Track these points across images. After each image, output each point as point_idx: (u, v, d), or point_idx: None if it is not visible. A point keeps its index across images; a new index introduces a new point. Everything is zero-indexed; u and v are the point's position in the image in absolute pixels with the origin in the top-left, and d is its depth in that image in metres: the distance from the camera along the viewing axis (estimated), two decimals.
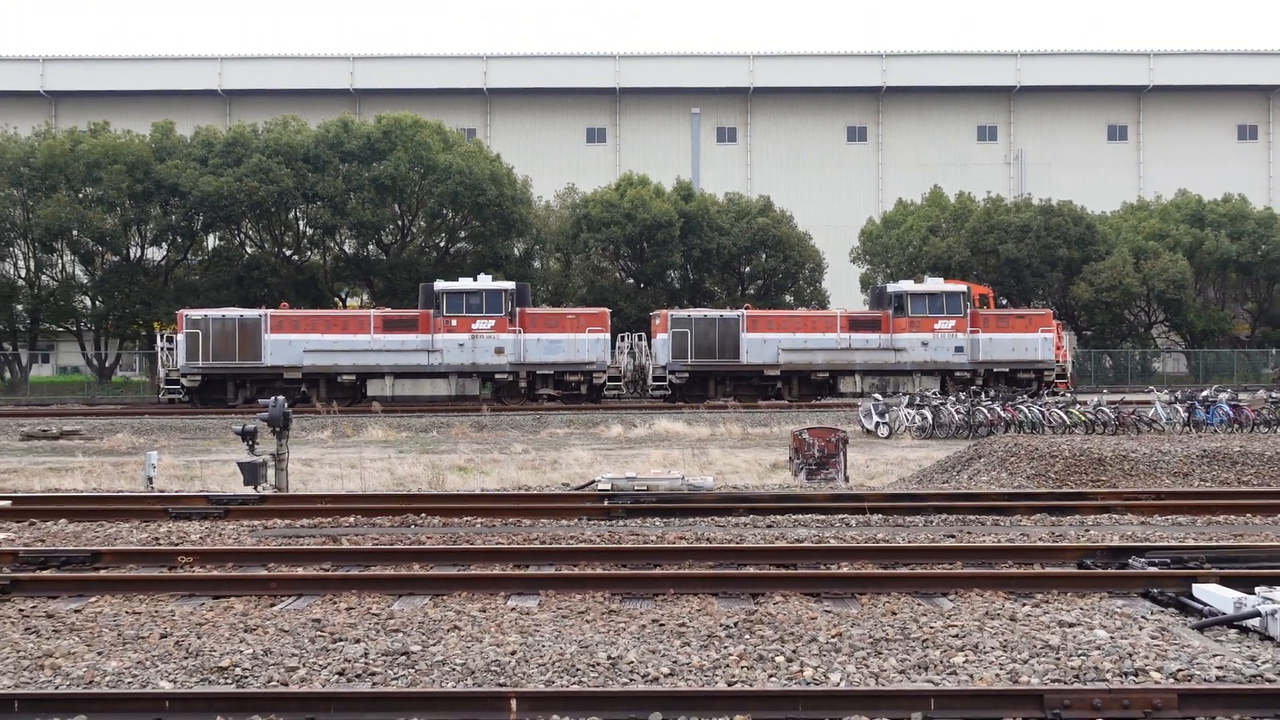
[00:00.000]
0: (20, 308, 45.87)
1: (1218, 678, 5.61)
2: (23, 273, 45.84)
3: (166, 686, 5.52)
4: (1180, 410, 24.55)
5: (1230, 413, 24.49)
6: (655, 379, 35.47)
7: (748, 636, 6.46)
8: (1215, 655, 5.99)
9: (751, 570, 8.29)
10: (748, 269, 47.46)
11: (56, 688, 5.54)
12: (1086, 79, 65.75)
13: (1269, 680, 5.59)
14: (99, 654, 6.17)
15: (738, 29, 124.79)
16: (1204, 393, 26.14)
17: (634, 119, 65.96)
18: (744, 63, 65.70)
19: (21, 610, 7.28)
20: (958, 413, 24.97)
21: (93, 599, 7.59)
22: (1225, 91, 66.09)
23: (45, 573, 8.30)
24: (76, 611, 7.25)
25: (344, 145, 44.67)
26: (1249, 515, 11.20)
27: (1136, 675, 5.66)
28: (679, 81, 64.55)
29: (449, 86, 63.95)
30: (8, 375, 46.37)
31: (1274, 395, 27.26)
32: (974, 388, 33.82)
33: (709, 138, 64.08)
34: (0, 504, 11.90)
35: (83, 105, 61.24)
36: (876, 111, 66.86)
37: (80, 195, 43.68)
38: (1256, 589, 6.84)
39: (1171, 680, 5.56)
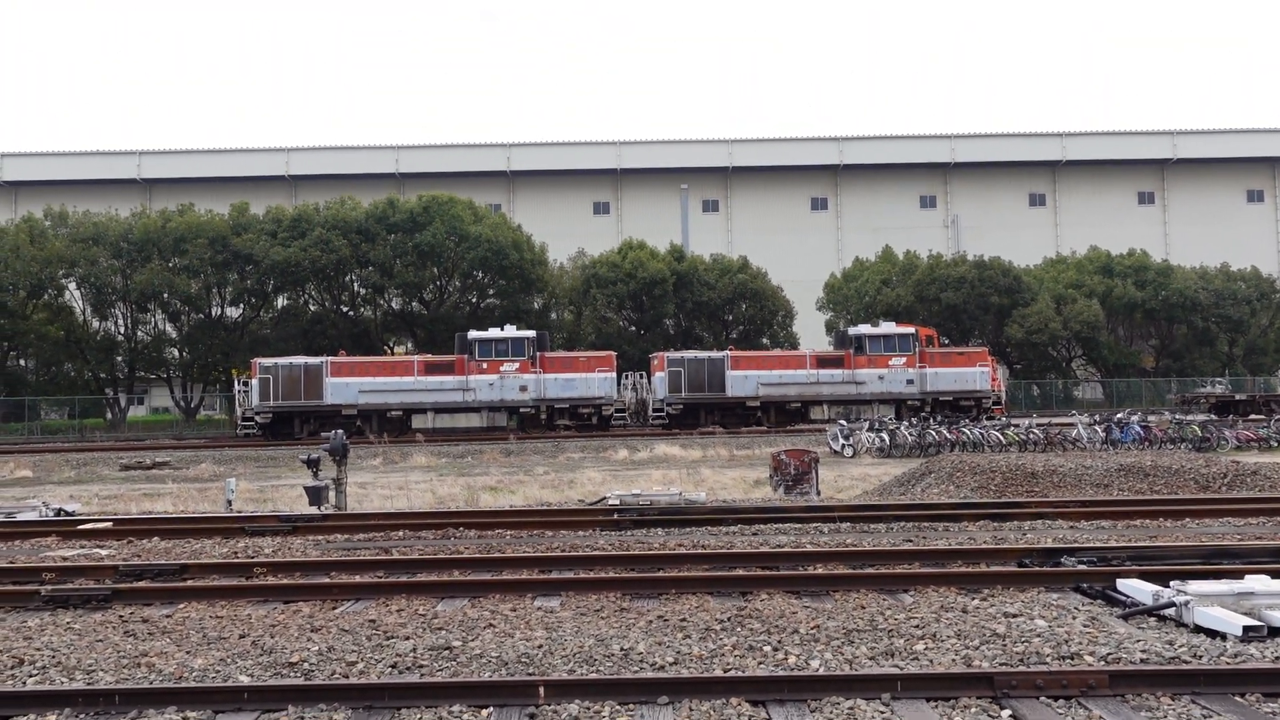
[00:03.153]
0: (120, 358, 45.92)
1: (1142, 660, 5.52)
2: (122, 329, 45.96)
3: (245, 680, 5.44)
4: (1099, 431, 24.44)
5: (1141, 432, 24.39)
6: (654, 410, 35.38)
7: (739, 629, 6.37)
8: (1139, 641, 5.90)
9: (741, 572, 8.18)
10: (730, 317, 47.51)
11: (151, 682, 5.45)
12: (1010, 156, 66.27)
13: (1185, 661, 5.51)
14: (187, 653, 6.08)
15: (719, 115, 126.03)
16: (1118, 416, 26.04)
17: (633, 194, 66.38)
18: (724, 147, 66.26)
19: (121, 616, 7.19)
20: (911, 435, 24.86)
21: (181, 605, 7.49)
22: (1127, 164, 66.60)
23: (141, 583, 8.21)
24: (167, 616, 7.16)
25: (391, 219, 44.88)
26: (1161, 520, 11.10)
27: (1073, 659, 5.57)
28: (670, 163, 65.06)
29: (478, 169, 64.45)
30: (109, 415, 46.27)
31: (1177, 417, 27.18)
32: (924, 414, 33.68)
33: (696, 208, 64.46)
34: (103, 524, 11.82)
35: (172, 189, 61.69)
36: (835, 185, 67.31)
37: (170, 264, 43.89)
38: (1171, 583, 6.76)
39: (1103, 663, 5.47)
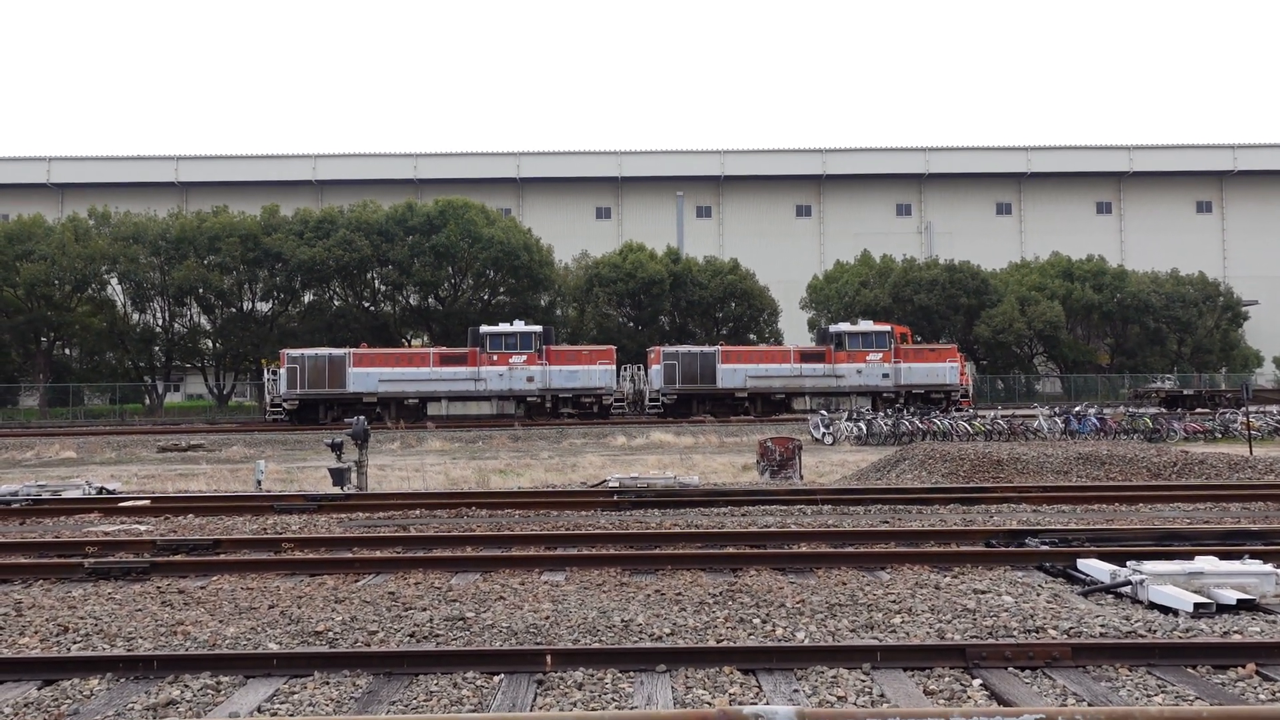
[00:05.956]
0: (158, 348, 45.79)
1: (1101, 634, 5.51)
2: (160, 322, 45.80)
3: (274, 648, 5.41)
4: (1059, 422, 24.47)
5: (1098, 424, 24.42)
6: (651, 400, 35.35)
7: (730, 603, 6.35)
8: (1098, 616, 5.89)
9: (731, 550, 8.17)
10: (721, 314, 47.46)
11: (186, 649, 5.42)
12: (979, 168, 66.14)
13: (1141, 635, 5.49)
14: (220, 622, 6.06)
15: (712, 125, 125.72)
16: (1077, 408, 26.08)
17: (633, 200, 66.22)
18: (716, 157, 66.08)
19: (159, 587, 7.16)
20: (886, 425, 24.87)
21: (214, 577, 7.47)
22: (1087, 177, 66.50)
23: (177, 557, 8.17)
24: (202, 588, 7.13)
25: (409, 222, 44.74)
26: (1117, 504, 11.10)
27: (1037, 632, 5.56)
28: (667, 172, 64.85)
29: (491, 176, 64.20)
30: (147, 401, 46.14)
31: (1131, 410, 27.20)
32: (898, 405, 33.71)
33: (691, 214, 64.34)
34: (141, 503, 11.78)
35: (207, 192, 61.42)
36: (819, 193, 67.18)
37: (205, 262, 43.71)
38: (1127, 563, 6.75)
39: (1065, 636, 5.46)
